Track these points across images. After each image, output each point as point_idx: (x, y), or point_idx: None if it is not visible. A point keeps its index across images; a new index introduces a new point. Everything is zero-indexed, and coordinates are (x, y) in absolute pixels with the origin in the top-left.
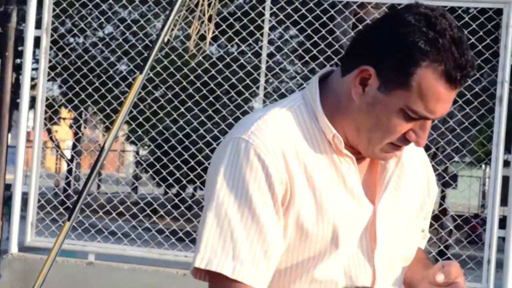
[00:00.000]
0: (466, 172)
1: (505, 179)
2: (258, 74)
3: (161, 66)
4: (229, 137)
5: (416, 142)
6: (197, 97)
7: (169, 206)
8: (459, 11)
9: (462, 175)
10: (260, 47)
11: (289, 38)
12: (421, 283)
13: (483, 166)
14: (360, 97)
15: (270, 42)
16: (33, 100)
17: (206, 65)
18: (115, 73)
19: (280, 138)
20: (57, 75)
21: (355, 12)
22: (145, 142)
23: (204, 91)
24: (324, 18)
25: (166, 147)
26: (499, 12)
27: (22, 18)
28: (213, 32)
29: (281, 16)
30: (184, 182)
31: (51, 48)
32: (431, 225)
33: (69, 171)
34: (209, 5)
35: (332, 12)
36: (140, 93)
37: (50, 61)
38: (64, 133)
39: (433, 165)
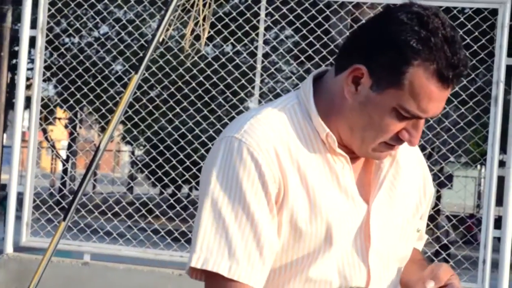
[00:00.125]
0: (461, 172)
1: (501, 179)
2: (254, 74)
3: (157, 66)
4: (222, 136)
5: (409, 142)
6: (192, 97)
7: (164, 206)
8: (455, 11)
9: (458, 175)
10: (256, 47)
11: (284, 38)
12: (416, 284)
13: (479, 166)
14: (353, 96)
15: (266, 42)
16: (28, 100)
17: (202, 65)
18: (110, 73)
19: (273, 137)
20: (52, 75)
21: (350, 12)
22: (140, 142)
23: (200, 91)
24: (320, 18)
25: (161, 147)
26: (494, 12)
27: (17, 18)
28: (209, 32)
29: (277, 16)
30: (180, 182)
31: (46, 48)
32: (427, 225)
33: (65, 171)
34: (204, 5)
35: (328, 12)
36: (135, 93)
37: (45, 61)
38: (59, 133)
39: (428, 165)
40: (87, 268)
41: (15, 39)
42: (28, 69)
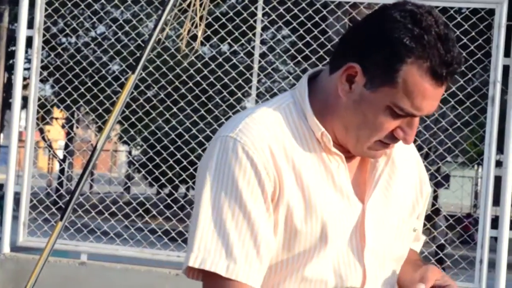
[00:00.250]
0: (458, 172)
1: (498, 179)
2: (251, 74)
3: (154, 66)
4: (217, 136)
5: (403, 140)
6: (189, 97)
7: (161, 206)
8: (451, 12)
9: (455, 175)
10: (253, 47)
11: (281, 38)
12: (411, 285)
13: (476, 166)
14: (347, 95)
15: (263, 42)
16: (25, 100)
17: (199, 65)
18: (107, 73)
19: (268, 136)
20: (49, 75)
21: (347, 12)
22: (137, 142)
23: (197, 91)
24: (317, 18)
25: (158, 147)
26: (491, 12)
27: (14, 18)
28: (205, 32)
29: (274, 16)
30: (177, 182)
31: (43, 48)
32: (424, 225)
33: (62, 171)
34: (201, 5)
35: (325, 12)
36: (132, 93)
37: (42, 61)
38: (56, 133)
39: (425, 165)
40: (84, 268)
41: (12, 39)
42: (25, 69)
